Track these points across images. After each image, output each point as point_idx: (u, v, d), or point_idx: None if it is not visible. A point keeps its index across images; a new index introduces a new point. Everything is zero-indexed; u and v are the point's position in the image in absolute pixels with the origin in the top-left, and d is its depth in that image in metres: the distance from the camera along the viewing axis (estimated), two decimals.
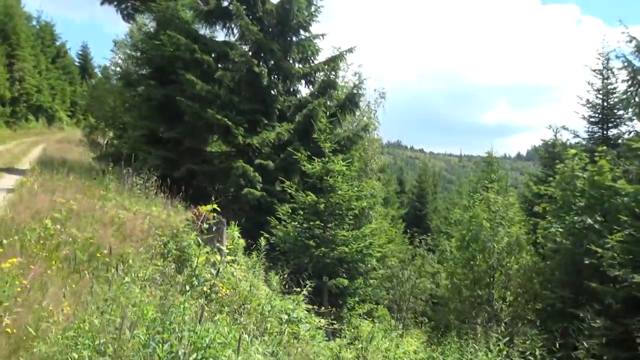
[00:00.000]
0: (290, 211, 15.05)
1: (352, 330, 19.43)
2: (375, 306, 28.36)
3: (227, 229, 10.85)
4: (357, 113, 24.72)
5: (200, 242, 9.88)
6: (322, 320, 10.55)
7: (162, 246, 9.04)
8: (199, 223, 9.95)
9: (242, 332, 5.80)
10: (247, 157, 16.54)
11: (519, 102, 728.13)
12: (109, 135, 23.52)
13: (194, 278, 8.32)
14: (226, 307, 8.06)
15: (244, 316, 8.15)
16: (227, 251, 10.16)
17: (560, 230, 15.86)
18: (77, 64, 76.19)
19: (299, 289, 11.11)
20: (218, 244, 9.98)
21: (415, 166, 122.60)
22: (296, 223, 14.08)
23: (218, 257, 9.64)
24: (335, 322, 14.70)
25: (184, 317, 4.90)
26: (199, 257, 8.90)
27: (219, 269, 8.92)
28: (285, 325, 8.52)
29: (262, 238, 12.35)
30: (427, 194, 58.73)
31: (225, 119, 15.86)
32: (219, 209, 10.38)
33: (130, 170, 14.72)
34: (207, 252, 9.53)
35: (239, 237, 11.29)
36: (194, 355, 4.24)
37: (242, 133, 16.23)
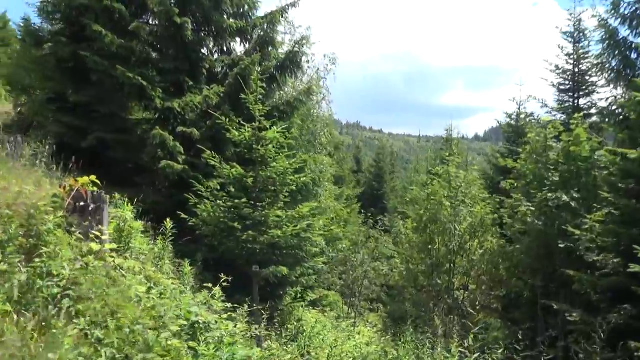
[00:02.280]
0: (218, 187, 12.59)
1: (294, 324, 17.24)
2: (327, 293, 26.19)
3: (114, 208, 8.39)
4: (304, 79, 22.36)
5: (74, 225, 7.46)
6: (240, 325, 8.14)
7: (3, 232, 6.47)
8: (69, 200, 7.46)
9: None
10: (167, 125, 14.02)
11: (475, 83, 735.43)
12: (21, 101, 20.57)
13: (38, 278, 5.88)
14: (82, 320, 5.62)
15: (110, 332, 5.72)
16: (109, 238, 7.68)
17: (531, 209, 13.76)
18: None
19: (210, 284, 8.82)
20: (96, 229, 7.50)
21: (374, 147, 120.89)
22: (220, 201, 11.61)
23: (94, 245, 7.17)
24: (267, 319, 12.45)
25: None
26: (54, 247, 6.46)
27: (81, 262, 6.48)
28: (170, 339, 6.10)
29: (168, 219, 9.90)
30: (384, 173, 57.23)
31: (139, 78, 13.24)
32: (98, 182, 7.90)
33: (19, 138, 12.07)
34: (78, 240, 7.06)
35: (133, 218, 8.80)
36: None
37: (160, 95, 13.66)
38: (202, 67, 15.06)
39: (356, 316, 24.58)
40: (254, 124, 11.93)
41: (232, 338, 7.96)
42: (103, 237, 7.40)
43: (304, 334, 16.43)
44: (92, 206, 7.62)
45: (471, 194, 15.92)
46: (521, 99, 24.25)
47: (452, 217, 15.17)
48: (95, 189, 7.78)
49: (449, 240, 15.24)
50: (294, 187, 12.40)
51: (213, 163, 11.93)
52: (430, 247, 15.78)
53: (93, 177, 7.72)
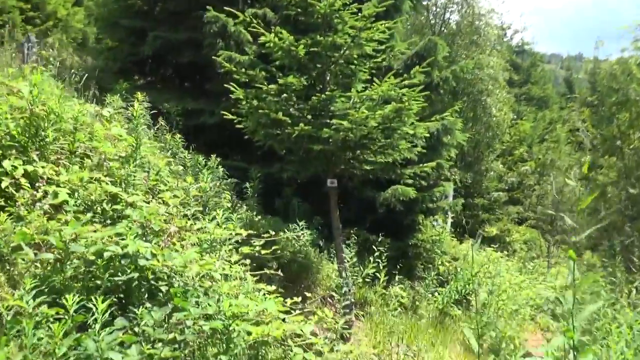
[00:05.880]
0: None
1: (446, 265, 13.44)
2: (514, 226, 21.58)
3: None
4: None
5: None
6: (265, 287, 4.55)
7: None
8: None
9: None
10: (233, 6, 10.68)
11: None
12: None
13: None
14: None
15: None
16: None
17: None
18: None
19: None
20: None
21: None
22: (262, 85, 7.88)
23: None
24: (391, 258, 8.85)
25: None
26: None
27: None
28: None
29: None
30: (603, 96, 49.79)
31: None
32: None
33: (32, 37, 9.53)
34: None
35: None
36: None
37: None
38: None
39: (549, 256, 19.74)
40: None
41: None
42: None
43: (457, 276, 12.50)
44: None
45: None
46: None
47: None
48: None
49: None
50: (380, 61, 8.28)
51: (257, 29, 8.11)
52: (619, 143, 10.72)
53: None
